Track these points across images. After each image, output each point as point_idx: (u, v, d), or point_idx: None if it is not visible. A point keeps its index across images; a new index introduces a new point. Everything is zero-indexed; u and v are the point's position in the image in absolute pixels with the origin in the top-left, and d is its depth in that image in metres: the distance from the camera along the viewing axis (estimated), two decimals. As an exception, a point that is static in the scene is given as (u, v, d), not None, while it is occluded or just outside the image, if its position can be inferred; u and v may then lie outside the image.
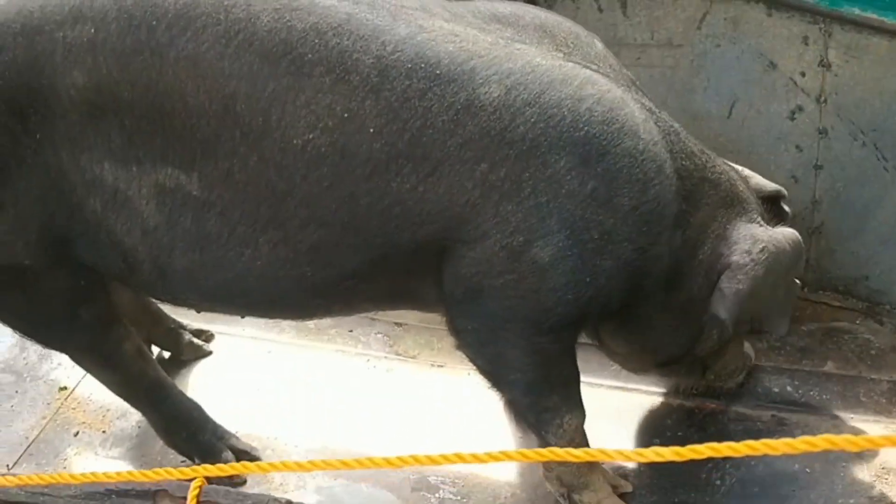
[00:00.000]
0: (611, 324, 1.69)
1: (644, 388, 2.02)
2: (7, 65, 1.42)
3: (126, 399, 1.87)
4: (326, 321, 2.16)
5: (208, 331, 2.25)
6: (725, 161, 1.73)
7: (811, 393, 1.97)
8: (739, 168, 1.77)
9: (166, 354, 2.17)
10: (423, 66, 1.40)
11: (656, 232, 1.52)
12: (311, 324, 2.19)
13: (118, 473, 0.92)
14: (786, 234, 1.66)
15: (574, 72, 1.50)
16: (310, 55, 1.35)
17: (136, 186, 1.44)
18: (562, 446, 1.19)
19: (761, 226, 1.65)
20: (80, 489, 1.05)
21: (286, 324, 2.20)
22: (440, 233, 1.46)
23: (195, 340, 2.19)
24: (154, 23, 1.37)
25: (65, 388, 2.16)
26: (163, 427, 1.87)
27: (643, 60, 2.14)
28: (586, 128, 1.44)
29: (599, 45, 1.66)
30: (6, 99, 1.43)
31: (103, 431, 2.01)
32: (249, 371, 2.13)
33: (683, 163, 1.58)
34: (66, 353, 1.86)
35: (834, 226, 2.06)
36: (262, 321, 2.14)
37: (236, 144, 1.40)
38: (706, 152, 1.67)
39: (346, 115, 1.37)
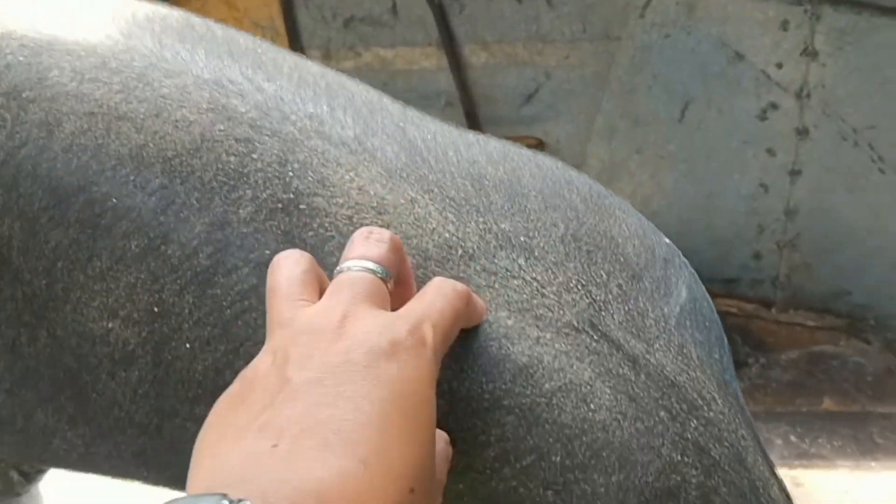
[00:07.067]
0: None
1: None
2: None
3: None
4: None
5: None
6: None
7: (819, 441, 1.68)
8: None
9: None
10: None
11: None
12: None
13: None
14: None
15: None
16: (114, 199, 0.71)
17: None
18: None
19: None
20: None
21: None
22: None
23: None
24: None
25: None
26: None
27: (573, 59, 1.75)
28: None
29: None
30: None
31: None
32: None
33: None
34: None
35: (812, 237, 1.77)
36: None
37: (19, 309, 0.82)
38: None
39: (155, 308, 0.74)
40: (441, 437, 0.57)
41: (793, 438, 1.69)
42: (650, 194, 1.85)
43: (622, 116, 1.79)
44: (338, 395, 0.47)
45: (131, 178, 0.67)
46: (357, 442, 0.45)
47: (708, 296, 0.83)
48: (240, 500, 0.42)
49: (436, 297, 0.55)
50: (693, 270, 0.86)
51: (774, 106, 1.64)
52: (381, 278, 0.54)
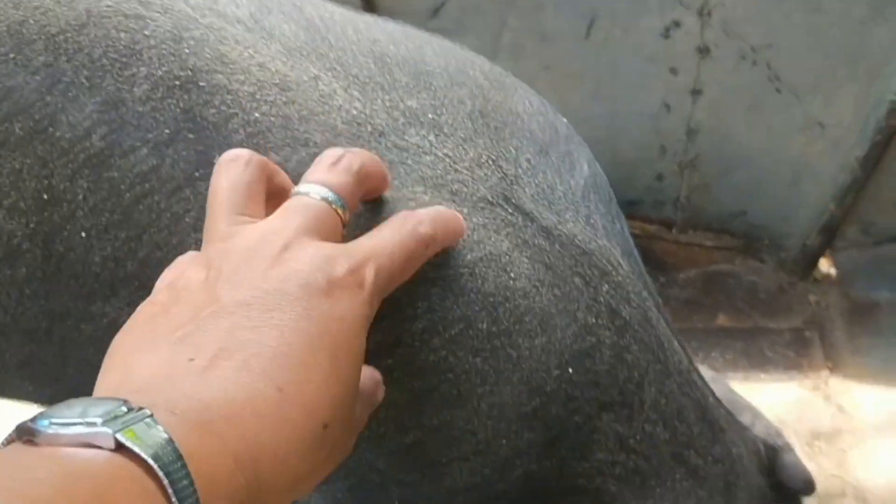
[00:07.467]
0: None
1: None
2: None
3: None
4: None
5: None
6: None
7: (713, 355, 1.73)
8: None
9: None
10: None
11: None
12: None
13: None
14: None
15: None
16: None
17: None
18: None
19: None
20: None
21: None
22: None
23: None
24: None
25: None
26: None
27: (480, -28, 1.72)
28: None
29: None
30: None
31: None
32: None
33: None
34: None
35: (712, 158, 1.80)
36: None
37: None
38: None
39: (45, 195, 0.74)
40: (372, 377, 0.56)
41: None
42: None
43: (529, 33, 1.77)
44: (264, 321, 0.45)
45: (11, 56, 0.62)
46: (276, 368, 0.44)
47: (602, 172, 0.87)
48: (140, 409, 0.39)
49: (391, 236, 0.53)
50: (588, 148, 0.88)
51: (677, 24, 1.64)
52: (337, 209, 0.52)
